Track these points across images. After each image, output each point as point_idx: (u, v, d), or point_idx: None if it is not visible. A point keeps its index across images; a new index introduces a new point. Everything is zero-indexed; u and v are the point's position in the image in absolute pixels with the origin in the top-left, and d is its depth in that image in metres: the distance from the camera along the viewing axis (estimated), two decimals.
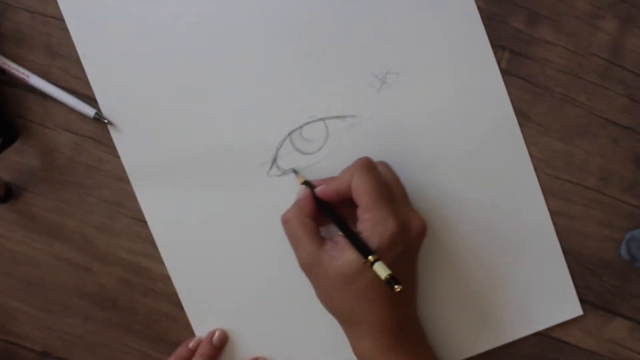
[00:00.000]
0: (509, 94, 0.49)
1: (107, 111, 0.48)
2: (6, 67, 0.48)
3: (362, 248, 0.42)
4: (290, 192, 0.47)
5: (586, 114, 0.49)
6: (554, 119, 0.49)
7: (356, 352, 0.45)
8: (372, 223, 0.42)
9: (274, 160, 0.49)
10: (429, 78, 0.49)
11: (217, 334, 0.49)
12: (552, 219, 0.50)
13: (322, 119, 0.49)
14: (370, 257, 0.41)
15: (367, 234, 0.42)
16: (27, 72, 0.48)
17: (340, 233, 0.43)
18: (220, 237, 0.49)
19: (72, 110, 0.49)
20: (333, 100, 0.49)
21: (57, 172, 0.49)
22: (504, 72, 0.49)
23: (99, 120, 0.48)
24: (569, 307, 0.50)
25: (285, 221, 0.45)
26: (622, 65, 0.49)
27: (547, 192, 0.50)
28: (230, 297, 0.50)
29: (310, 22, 0.48)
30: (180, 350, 0.49)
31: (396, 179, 0.45)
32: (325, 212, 0.45)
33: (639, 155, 0.50)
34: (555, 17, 0.49)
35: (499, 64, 0.49)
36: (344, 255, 0.42)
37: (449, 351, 0.50)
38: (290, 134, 0.48)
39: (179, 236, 0.49)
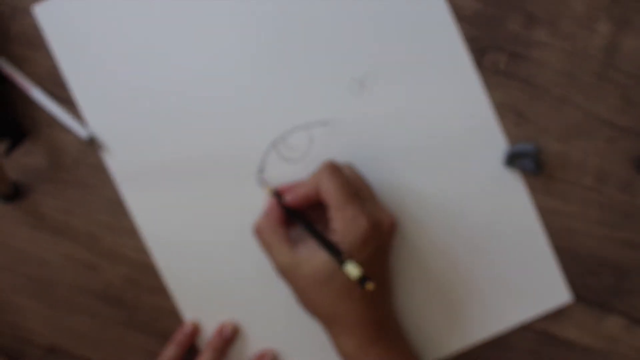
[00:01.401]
0: (508, 94, 0.50)
1: (92, 122, 0.49)
2: (12, 76, 0.49)
3: (333, 249, 0.43)
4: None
5: (583, 115, 0.50)
6: (552, 119, 0.50)
7: (339, 350, 0.45)
8: (344, 221, 0.43)
9: (261, 170, 0.49)
10: (407, 79, 0.49)
11: (227, 326, 0.50)
12: (550, 219, 0.50)
13: (304, 126, 0.49)
14: (341, 258, 0.42)
15: (340, 232, 0.43)
16: (29, 85, 0.49)
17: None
18: (214, 245, 0.50)
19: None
20: (314, 107, 0.49)
21: (63, 172, 0.50)
22: (502, 74, 0.50)
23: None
24: (557, 295, 0.50)
25: (258, 231, 0.46)
26: (618, 67, 0.50)
27: (544, 192, 0.50)
28: (223, 304, 0.50)
29: (287, 30, 0.49)
30: (179, 337, 0.49)
31: (361, 179, 0.46)
32: (294, 219, 0.46)
33: (635, 155, 0.50)
34: (552, 19, 0.49)
35: (497, 65, 0.50)
36: (318, 256, 0.43)
37: (444, 343, 0.50)
38: (274, 143, 0.49)
39: (172, 245, 0.50)
